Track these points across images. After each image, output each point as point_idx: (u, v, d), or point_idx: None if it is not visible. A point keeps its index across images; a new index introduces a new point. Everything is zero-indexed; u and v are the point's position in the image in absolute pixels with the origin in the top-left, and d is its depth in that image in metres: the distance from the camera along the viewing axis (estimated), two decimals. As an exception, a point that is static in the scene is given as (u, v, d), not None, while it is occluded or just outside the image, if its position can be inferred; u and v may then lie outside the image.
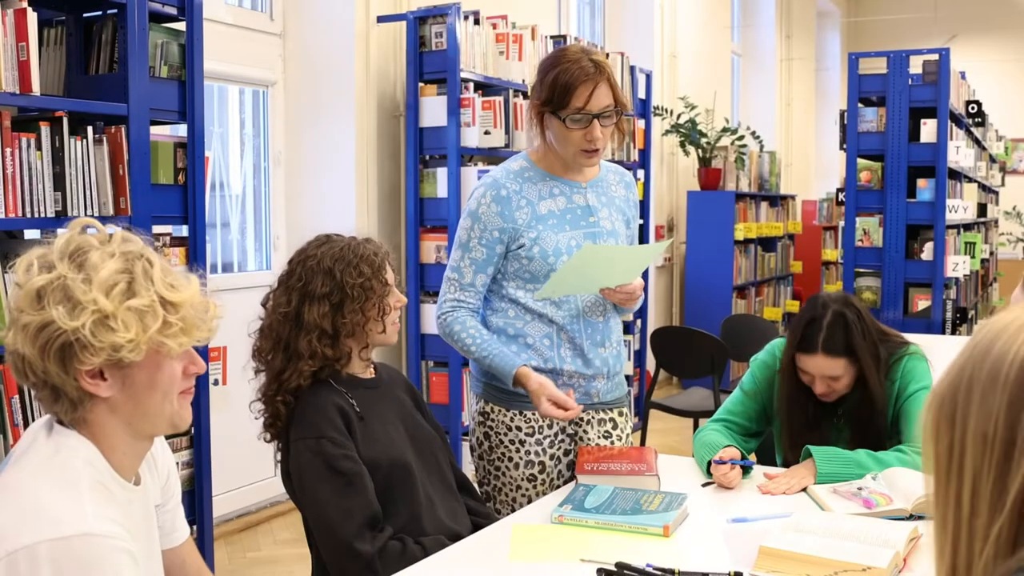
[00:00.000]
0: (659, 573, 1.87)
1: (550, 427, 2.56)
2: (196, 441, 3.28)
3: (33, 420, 2.71)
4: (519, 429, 2.54)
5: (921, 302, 5.89)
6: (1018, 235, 12.48)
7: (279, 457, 2.25)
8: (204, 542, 3.27)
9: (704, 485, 2.44)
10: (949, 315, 5.89)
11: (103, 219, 2.92)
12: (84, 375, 1.46)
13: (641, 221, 6.62)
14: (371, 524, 2.09)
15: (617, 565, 1.90)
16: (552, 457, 2.56)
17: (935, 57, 5.73)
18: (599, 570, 1.88)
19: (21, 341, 1.45)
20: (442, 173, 4.81)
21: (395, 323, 2.29)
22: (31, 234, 3.00)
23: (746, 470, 2.50)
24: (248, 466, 4.65)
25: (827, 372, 2.50)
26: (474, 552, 2.05)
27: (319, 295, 2.17)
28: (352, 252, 2.21)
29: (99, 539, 1.39)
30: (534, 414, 2.54)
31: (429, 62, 4.81)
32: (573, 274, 2.43)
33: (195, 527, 3.25)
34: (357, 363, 2.28)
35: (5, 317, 2.64)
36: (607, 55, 5.99)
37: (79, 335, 1.43)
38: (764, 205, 8.70)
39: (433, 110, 4.80)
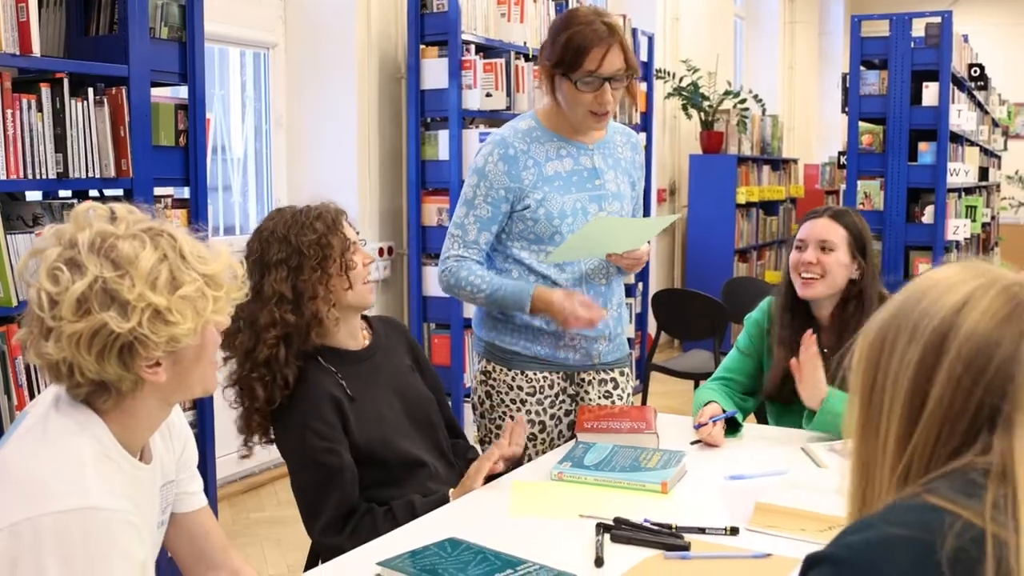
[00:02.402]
0: (656, 528, 1.90)
1: (551, 387, 2.58)
2: (199, 404, 3.31)
3: (36, 382, 2.74)
4: (520, 388, 2.56)
5: (922, 265, 5.89)
6: (1021, 199, 12.44)
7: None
8: (208, 503, 3.31)
9: (692, 443, 2.47)
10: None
11: (105, 181, 2.93)
12: (145, 369, 1.45)
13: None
14: (345, 517, 2.12)
15: (615, 520, 1.92)
16: (552, 417, 2.59)
17: (937, 20, 5.69)
18: (597, 525, 1.90)
19: (70, 350, 1.41)
20: (443, 135, 4.81)
21: (365, 281, 2.23)
22: (32, 195, 3.01)
23: (736, 427, 2.53)
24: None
25: (825, 235, 2.56)
26: (475, 508, 2.08)
27: (275, 262, 2.13)
28: (304, 215, 2.17)
29: (104, 513, 1.39)
30: (535, 374, 2.56)
31: (430, 24, 4.79)
32: (582, 242, 2.44)
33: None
34: (342, 333, 2.24)
35: (7, 277, 2.65)
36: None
37: (136, 334, 1.41)
38: (766, 169, 8.69)
39: (434, 72, 4.79)
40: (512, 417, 2.55)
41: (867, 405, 1.12)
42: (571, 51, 2.40)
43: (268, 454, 4.77)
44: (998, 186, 10.58)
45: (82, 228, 1.45)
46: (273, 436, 2.23)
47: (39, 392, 2.72)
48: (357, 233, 2.26)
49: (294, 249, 2.13)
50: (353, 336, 2.28)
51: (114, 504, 1.41)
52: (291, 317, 2.12)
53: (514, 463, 2.33)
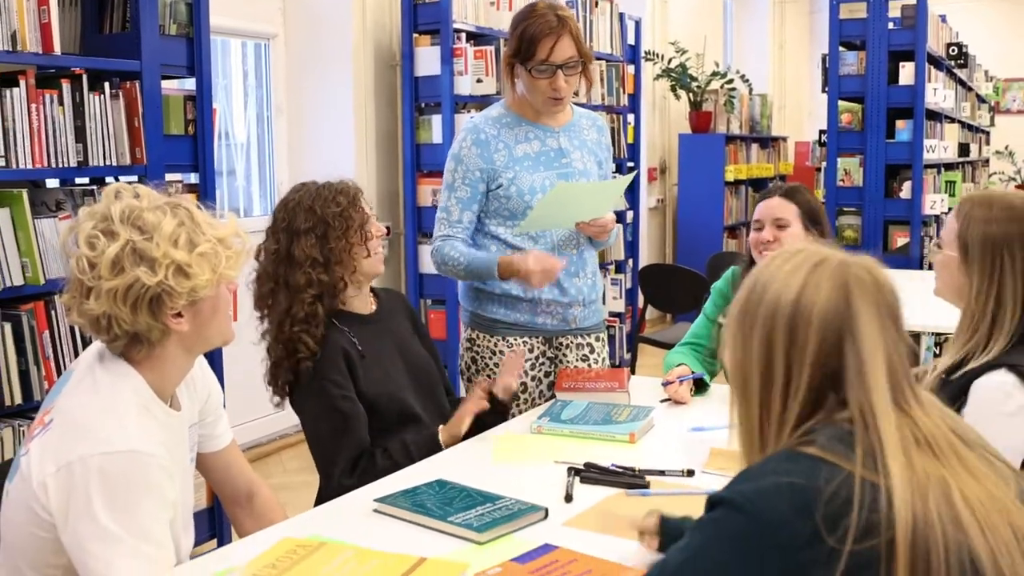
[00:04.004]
0: (621, 471, 2.14)
1: (531, 351, 2.83)
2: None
3: (62, 354, 2.98)
4: (502, 353, 2.81)
5: (900, 239, 6.13)
6: (1010, 174, 12.64)
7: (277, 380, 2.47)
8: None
9: (662, 401, 2.71)
10: (927, 251, 6.14)
11: (121, 168, 3.16)
12: (170, 318, 1.72)
13: (631, 164, 6.84)
14: (357, 460, 2.36)
15: (585, 465, 2.17)
16: (533, 379, 2.83)
17: (913, 2, 5.90)
18: (569, 469, 2.15)
19: (108, 304, 1.68)
20: (437, 120, 5.03)
21: (379, 251, 2.48)
22: (52, 183, 3.24)
23: (702, 386, 2.78)
24: (259, 399, 4.89)
25: (778, 213, 2.73)
26: (461, 456, 2.33)
27: (304, 230, 2.36)
28: (328, 189, 2.42)
29: (143, 456, 1.66)
30: (516, 339, 2.81)
31: (423, 13, 5.00)
32: (550, 209, 2.68)
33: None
34: (355, 298, 2.49)
35: (35, 258, 2.88)
36: (596, 3, 6.17)
37: (163, 286, 1.69)
38: (755, 147, 8.90)
39: (427, 60, 5.00)
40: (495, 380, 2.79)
41: (738, 380, 1.34)
42: (525, 42, 2.64)
43: (275, 425, 5.06)
44: (986, 161, 10.79)
45: (112, 203, 1.73)
46: (289, 392, 2.45)
47: (64, 364, 2.97)
48: (370, 208, 2.50)
49: (320, 219, 2.37)
50: (363, 302, 2.53)
51: (151, 450, 1.68)
52: (324, 277, 2.37)
53: (500, 415, 2.58)
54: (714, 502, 1.26)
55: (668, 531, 1.66)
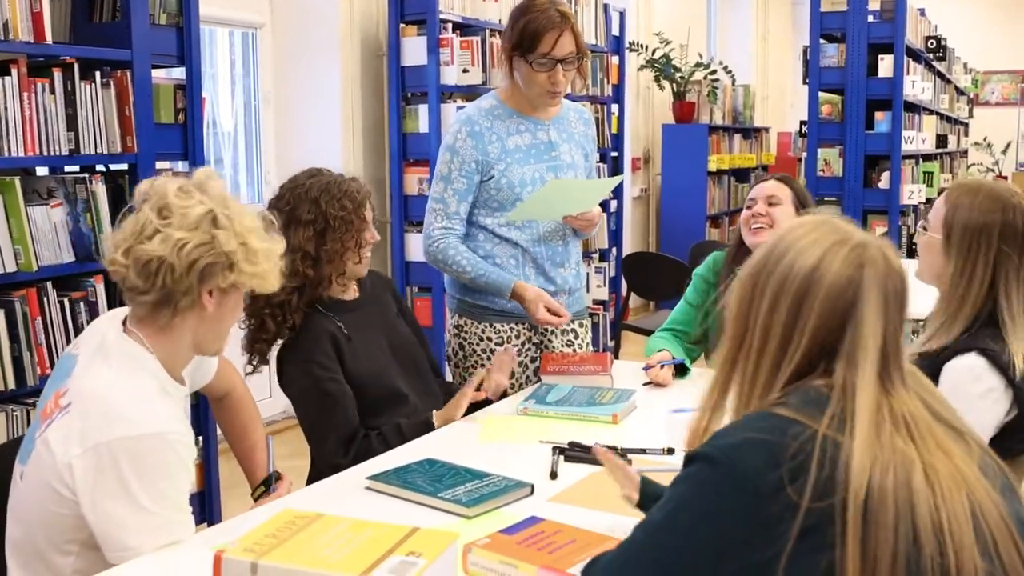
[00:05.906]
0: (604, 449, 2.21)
1: (518, 337, 2.89)
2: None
3: (55, 340, 3.02)
4: (490, 340, 2.87)
5: (879, 228, 6.22)
6: (988, 165, 12.78)
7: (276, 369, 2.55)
8: (209, 457, 3.59)
9: (644, 384, 2.79)
10: (905, 240, 6.23)
11: (112, 156, 3.20)
12: (206, 293, 1.79)
13: (615, 153, 6.91)
14: (349, 439, 2.43)
15: (569, 444, 2.24)
16: (520, 364, 2.90)
17: (892, -6, 5.99)
18: (554, 448, 2.22)
19: (169, 250, 1.73)
20: (423, 110, 5.08)
21: (367, 257, 2.53)
22: (42, 171, 3.27)
23: (684, 370, 2.85)
24: (249, 386, 4.98)
25: (772, 191, 2.84)
26: (450, 436, 2.40)
27: (304, 221, 2.40)
28: (337, 187, 2.44)
29: (169, 436, 1.74)
30: (503, 326, 2.87)
31: (410, 4, 5.04)
32: (540, 203, 2.75)
33: (200, 440, 3.56)
34: (337, 288, 2.53)
35: (28, 245, 2.92)
36: (580, -5, 6.23)
37: (231, 259, 1.77)
38: (737, 137, 8.98)
39: (414, 50, 5.05)
40: (483, 366, 2.86)
41: (736, 335, 1.39)
42: (527, 35, 2.69)
43: (265, 411, 5.10)
44: (965, 152, 10.91)
45: (208, 181, 1.84)
46: (278, 375, 2.52)
47: (57, 350, 3.01)
48: (373, 213, 2.54)
49: (322, 215, 2.41)
50: (346, 291, 2.58)
51: (175, 428, 1.77)
52: (310, 272, 2.41)
53: (498, 395, 2.65)
54: (691, 458, 1.32)
55: (647, 491, 1.76)
